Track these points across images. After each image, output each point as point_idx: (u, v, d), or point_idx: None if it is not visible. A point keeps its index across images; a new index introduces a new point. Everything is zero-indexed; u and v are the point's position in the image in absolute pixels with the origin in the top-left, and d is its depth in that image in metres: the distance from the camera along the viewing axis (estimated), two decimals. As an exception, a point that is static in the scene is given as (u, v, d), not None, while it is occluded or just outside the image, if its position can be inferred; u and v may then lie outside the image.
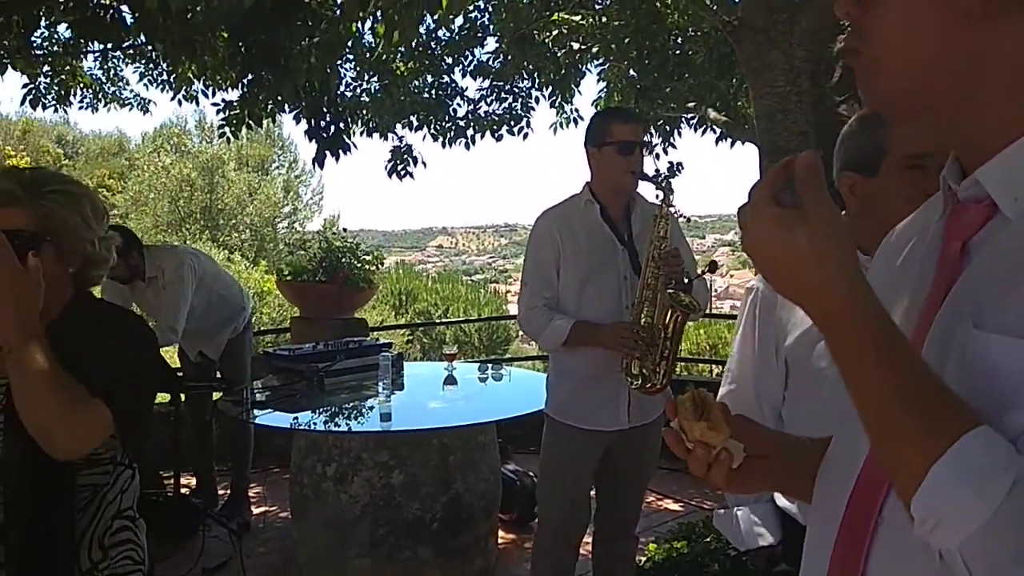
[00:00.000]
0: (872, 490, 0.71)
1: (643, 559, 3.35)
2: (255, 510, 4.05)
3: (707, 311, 2.69)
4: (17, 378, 1.26)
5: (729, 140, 5.35)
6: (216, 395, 3.83)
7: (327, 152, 4.61)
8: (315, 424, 3.12)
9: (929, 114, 0.72)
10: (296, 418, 3.15)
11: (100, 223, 1.44)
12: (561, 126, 6.19)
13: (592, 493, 2.63)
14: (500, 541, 3.61)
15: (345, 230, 5.77)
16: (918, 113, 0.74)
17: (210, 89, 5.15)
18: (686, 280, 2.28)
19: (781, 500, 1.51)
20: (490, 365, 4.21)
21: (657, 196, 2.41)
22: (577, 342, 2.39)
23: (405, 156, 5.80)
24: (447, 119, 5.72)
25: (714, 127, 5.11)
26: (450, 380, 3.73)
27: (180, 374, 3.76)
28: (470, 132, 5.74)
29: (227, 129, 4.82)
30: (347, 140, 4.70)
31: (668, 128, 5.70)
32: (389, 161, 5.87)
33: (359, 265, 5.42)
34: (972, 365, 0.64)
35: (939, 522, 0.59)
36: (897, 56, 0.69)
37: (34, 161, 13.35)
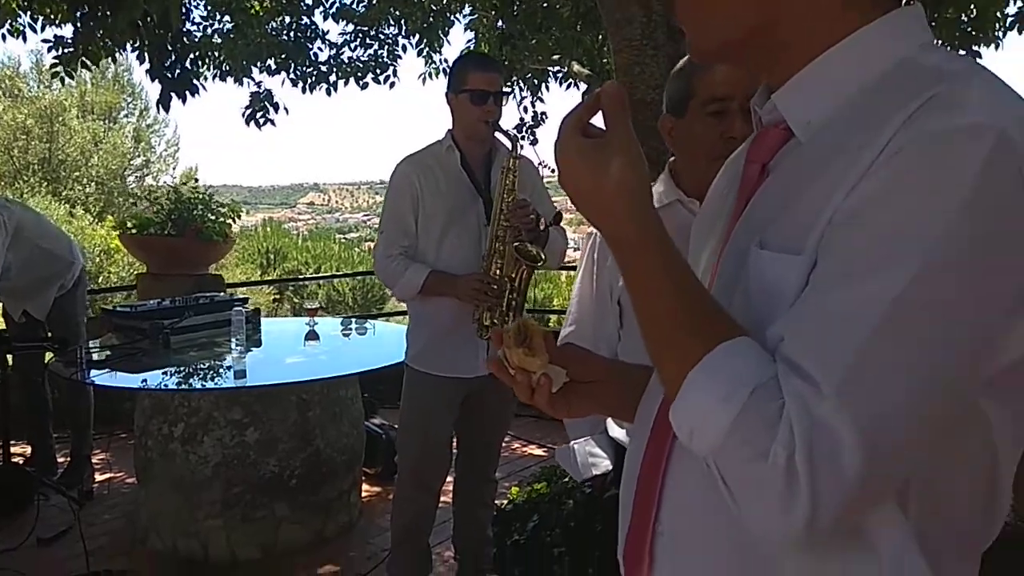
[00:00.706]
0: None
1: (505, 502, 3.42)
2: (99, 477, 3.81)
3: (564, 262, 2.73)
4: None
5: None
6: (48, 356, 3.53)
7: (173, 93, 4.27)
8: (160, 384, 2.93)
9: (742, 54, 0.74)
10: (141, 379, 2.94)
11: None
12: (430, 76, 6.05)
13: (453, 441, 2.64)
14: (364, 494, 3.58)
15: (196, 181, 5.43)
16: (733, 55, 0.76)
17: (38, 23, 4.62)
18: (542, 228, 2.30)
19: (614, 431, 1.57)
20: (354, 319, 4.12)
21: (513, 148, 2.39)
22: (431, 292, 2.36)
23: (264, 102, 5.49)
24: (307, 64, 5.44)
25: (579, 81, 5.16)
26: (311, 335, 3.62)
27: (5, 335, 3.42)
28: (332, 78, 5.49)
29: (61, 69, 4.36)
30: (195, 82, 4.37)
31: (536, 81, 5.70)
32: (247, 107, 5.54)
33: (213, 218, 5.12)
34: (755, 283, 0.67)
35: (693, 430, 0.62)
36: (705, 3, 0.72)
37: None
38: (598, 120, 0.71)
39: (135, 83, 20.67)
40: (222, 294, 4.24)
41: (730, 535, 0.67)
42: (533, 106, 5.65)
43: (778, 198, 0.69)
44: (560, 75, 5.54)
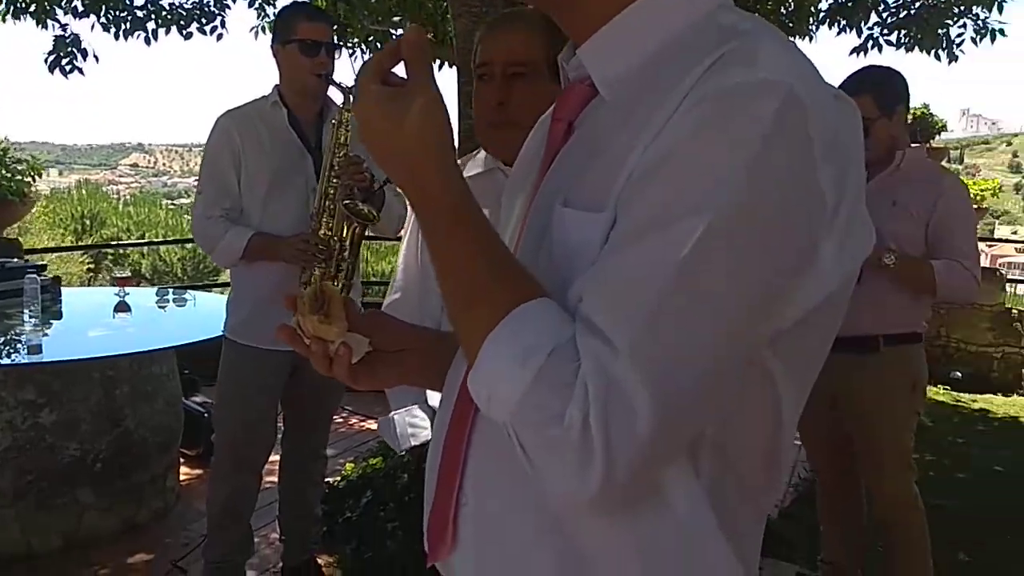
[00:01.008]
0: None
1: (338, 478, 3.33)
2: None
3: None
4: None
5: (437, 62, 5.32)
6: None
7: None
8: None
9: (558, 9, 0.73)
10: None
11: None
12: (263, 31, 5.68)
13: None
14: (183, 478, 3.34)
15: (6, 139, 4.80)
16: (552, 8, 0.74)
17: None
18: (376, 188, 2.19)
19: (433, 400, 1.53)
20: (171, 289, 3.81)
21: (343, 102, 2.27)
22: (255, 256, 2.20)
23: (71, 47, 4.92)
24: (121, 7, 4.92)
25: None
26: (122, 307, 3.30)
27: None
28: (151, 26, 5.00)
29: None
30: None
31: (378, 44, 5.50)
32: (51, 53, 4.94)
33: (8, 175, 4.56)
34: (559, 243, 0.65)
35: (490, 396, 0.60)
36: None
37: None
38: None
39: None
40: (15, 260, 3.77)
41: (533, 505, 0.66)
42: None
43: (582, 155, 0.68)
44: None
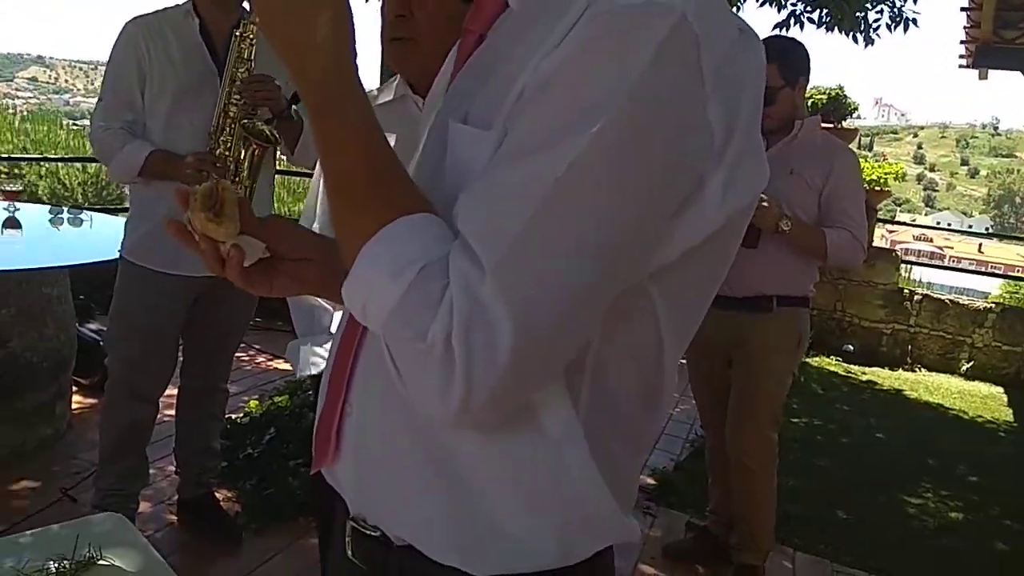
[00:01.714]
0: None
1: (242, 415, 3.25)
2: None
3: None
4: None
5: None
6: None
7: None
8: None
9: None
10: None
11: None
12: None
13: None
14: (76, 406, 3.18)
15: None
16: None
17: None
18: (284, 110, 2.09)
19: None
20: (66, 208, 3.58)
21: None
22: (152, 173, 2.07)
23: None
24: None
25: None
26: (11, 223, 3.08)
27: None
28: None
29: None
30: None
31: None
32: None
33: None
34: (451, 159, 0.64)
35: (364, 305, 0.59)
36: None
37: None
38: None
39: None
40: None
41: (411, 419, 0.66)
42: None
43: (483, 70, 0.66)
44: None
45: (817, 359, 5.52)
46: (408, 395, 0.59)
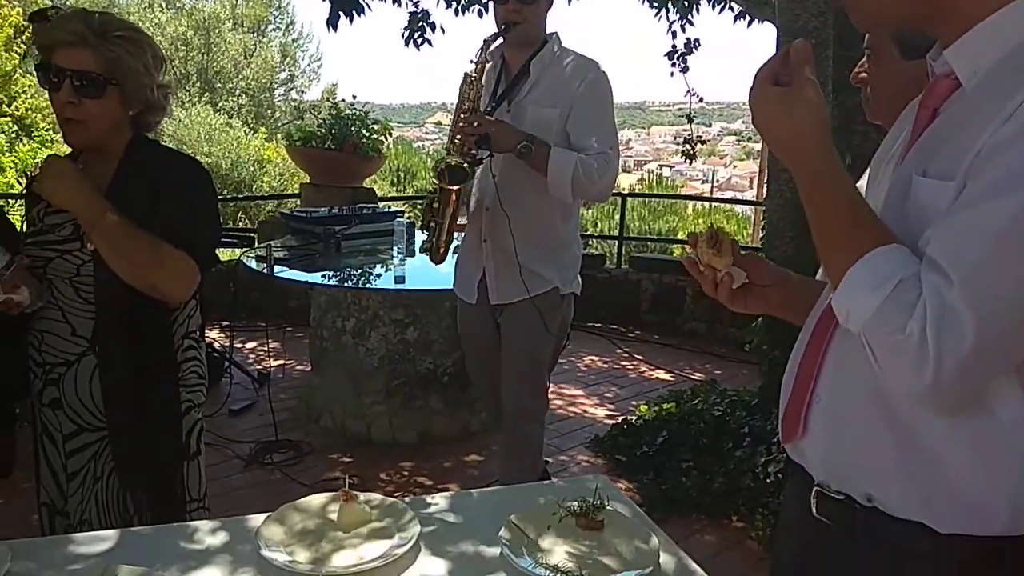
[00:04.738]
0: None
1: (634, 418, 3.63)
2: (273, 363, 4.30)
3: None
4: (105, 246, 1.42)
5: (747, 18, 5.26)
6: (237, 252, 3.98)
7: (340, 13, 4.53)
8: (335, 282, 3.28)
9: (906, 22, 0.90)
10: (320, 276, 3.28)
11: (159, 71, 1.53)
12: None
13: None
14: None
15: (355, 98, 5.73)
16: (902, 24, 0.92)
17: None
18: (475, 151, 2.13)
19: None
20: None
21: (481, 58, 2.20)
22: None
23: (422, 23, 5.66)
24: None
25: (733, 4, 5.01)
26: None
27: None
28: None
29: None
30: (361, 1, 4.61)
31: (687, 3, 5.57)
32: (406, 28, 5.71)
33: (368, 134, 5.44)
34: (913, 204, 0.84)
35: (849, 311, 0.82)
36: None
37: (24, 12, 12.90)
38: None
39: (281, -3, 21.43)
40: (380, 206, 4.58)
41: (878, 398, 0.86)
42: (683, 30, 5.53)
43: (941, 136, 0.85)
44: (712, -1, 5.40)
45: None
46: (884, 376, 0.80)
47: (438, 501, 1.32)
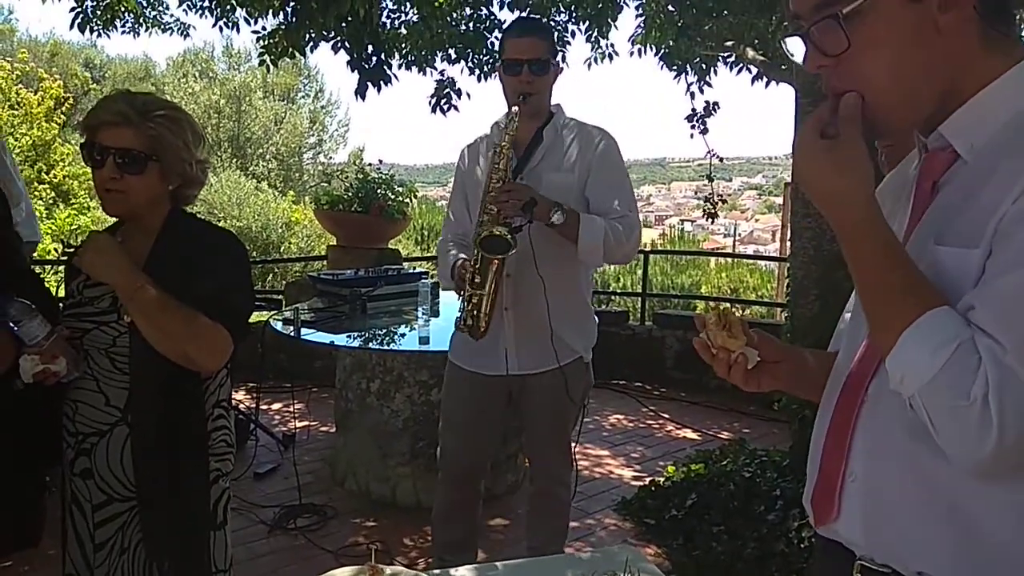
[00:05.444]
0: (860, 379, 0.93)
1: (662, 479, 3.57)
2: (298, 424, 4.31)
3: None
4: (142, 319, 1.46)
5: (765, 80, 5.34)
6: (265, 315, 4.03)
7: (369, 83, 4.68)
8: (360, 343, 3.30)
9: (919, 118, 0.90)
10: (348, 336, 3.30)
11: (198, 146, 1.59)
12: (596, 61, 6.17)
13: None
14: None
15: (381, 162, 5.88)
16: (915, 124, 0.92)
17: (253, 17, 5.17)
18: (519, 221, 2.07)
19: None
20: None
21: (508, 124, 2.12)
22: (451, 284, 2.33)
23: (448, 90, 5.81)
24: (484, 52, 5.72)
25: (750, 67, 5.09)
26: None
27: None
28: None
29: (267, 58, 4.87)
30: (388, 71, 4.76)
31: (704, 67, 5.67)
32: (432, 96, 5.87)
33: (393, 197, 5.56)
34: (933, 272, 0.83)
35: (903, 375, 0.80)
36: (894, 91, 0.86)
37: (64, 84, 13.50)
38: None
39: (311, 66, 22.20)
40: (405, 266, 4.64)
41: (921, 471, 0.84)
42: (701, 92, 5.62)
43: (952, 205, 0.85)
44: (730, 61, 5.49)
45: None
46: (942, 441, 0.78)
47: (463, 574, 1.31)
